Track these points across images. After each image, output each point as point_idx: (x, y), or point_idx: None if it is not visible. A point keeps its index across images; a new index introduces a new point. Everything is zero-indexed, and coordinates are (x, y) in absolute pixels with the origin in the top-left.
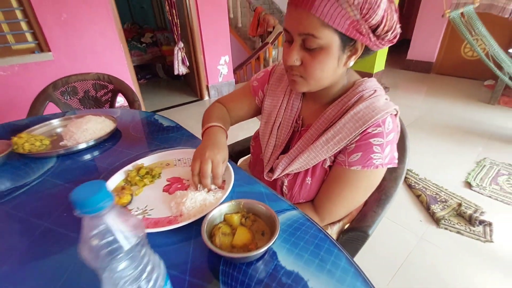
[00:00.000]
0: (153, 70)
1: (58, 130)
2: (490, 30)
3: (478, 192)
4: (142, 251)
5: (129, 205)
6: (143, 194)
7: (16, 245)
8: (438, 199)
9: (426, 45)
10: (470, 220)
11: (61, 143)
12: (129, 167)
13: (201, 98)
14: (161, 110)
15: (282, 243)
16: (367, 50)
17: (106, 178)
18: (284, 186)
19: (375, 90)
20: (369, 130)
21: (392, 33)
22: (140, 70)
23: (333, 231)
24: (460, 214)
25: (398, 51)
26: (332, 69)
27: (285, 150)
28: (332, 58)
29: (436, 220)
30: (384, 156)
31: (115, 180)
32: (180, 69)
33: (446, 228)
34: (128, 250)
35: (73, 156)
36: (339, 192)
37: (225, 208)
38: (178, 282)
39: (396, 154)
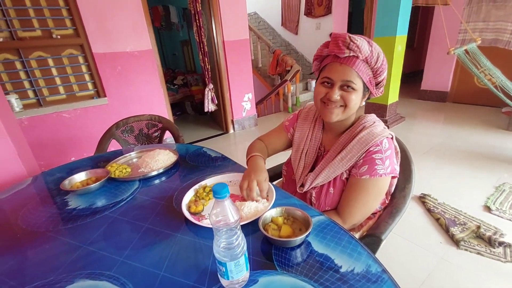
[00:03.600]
0: (182, 107)
1: (134, 160)
2: (499, 62)
3: (498, 216)
4: (238, 226)
5: (203, 212)
6: (210, 205)
7: (129, 238)
8: (457, 222)
9: (439, 75)
10: (489, 242)
11: (139, 170)
12: (196, 186)
13: (226, 131)
14: (191, 143)
15: (314, 237)
16: (369, 96)
17: (179, 195)
18: (313, 197)
19: (374, 122)
20: (371, 149)
21: (381, 89)
22: (171, 108)
23: None
24: (479, 236)
25: (413, 82)
26: (358, 104)
27: (311, 170)
28: (359, 97)
29: (456, 242)
30: (386, 167)
31: (188, 196)
32: (209, 106)
33: (466, 249)
34: (233, 222)
35: (150, 180)
36: (355, 197)
37: (272, 212)
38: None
39: (397, 167)
